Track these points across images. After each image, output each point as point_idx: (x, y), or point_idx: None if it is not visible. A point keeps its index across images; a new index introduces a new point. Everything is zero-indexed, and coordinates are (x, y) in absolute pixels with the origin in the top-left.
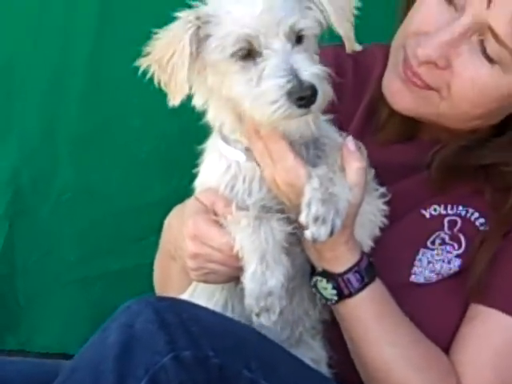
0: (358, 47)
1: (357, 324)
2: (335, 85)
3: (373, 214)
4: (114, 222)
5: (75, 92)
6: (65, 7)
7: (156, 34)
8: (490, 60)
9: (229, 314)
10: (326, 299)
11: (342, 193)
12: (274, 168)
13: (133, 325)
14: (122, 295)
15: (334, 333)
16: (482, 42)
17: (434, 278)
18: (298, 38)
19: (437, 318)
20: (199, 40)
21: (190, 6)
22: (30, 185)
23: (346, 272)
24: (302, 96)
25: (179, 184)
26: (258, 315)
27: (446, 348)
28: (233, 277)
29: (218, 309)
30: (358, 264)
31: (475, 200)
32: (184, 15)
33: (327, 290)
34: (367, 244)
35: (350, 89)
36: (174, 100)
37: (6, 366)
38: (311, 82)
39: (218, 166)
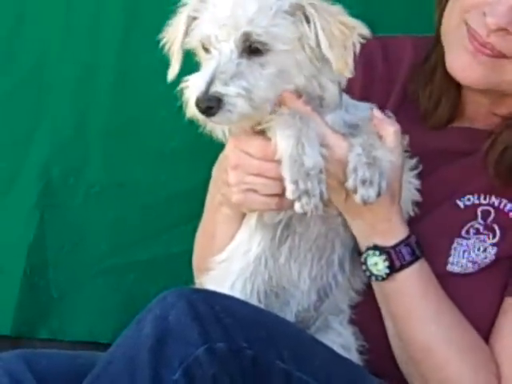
0: (349, 74)
1: (403, 300)
2: (365, 73)
3: (407, 181)
4: (144, 212)
5: (104, 87)
6: (92, 4)
7: None
8: None
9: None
10: (376, 276)
11: (384, 155)
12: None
13: (167, 317)
14: (152, 284)
15: (364, 319)
16: None
17: (470, 266)
18: (259, 49)
19: (475, 308)
20: (193, 20)
21: None
22: (60, 177)
23: (398, 244)
24: (201, 106)
25: (207, 174)
26: (299, 199)
27: (485, 337)
28: (272, 200)
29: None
30: (408, 237)
31: (509, 191)
32: None
33: (378, 264)
34: (410, 209)
35: (380, 78)
36: (172, 71)
37: (41, 360)
38: (215, 96)
39: None
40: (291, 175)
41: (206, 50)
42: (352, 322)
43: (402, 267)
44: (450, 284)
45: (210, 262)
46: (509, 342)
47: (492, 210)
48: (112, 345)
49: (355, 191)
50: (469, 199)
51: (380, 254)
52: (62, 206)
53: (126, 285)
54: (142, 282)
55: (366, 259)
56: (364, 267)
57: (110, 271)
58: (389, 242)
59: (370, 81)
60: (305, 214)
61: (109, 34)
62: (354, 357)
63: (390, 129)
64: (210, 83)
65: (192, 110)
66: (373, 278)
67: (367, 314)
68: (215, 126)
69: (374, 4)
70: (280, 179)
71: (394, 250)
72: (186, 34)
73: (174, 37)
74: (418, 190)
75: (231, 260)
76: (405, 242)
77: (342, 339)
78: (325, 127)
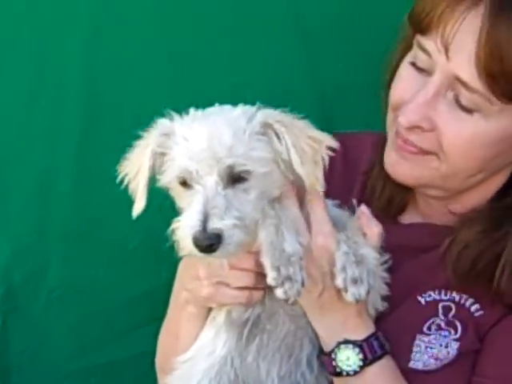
0: (321, 188)
1: None
2: (324, 171)
3: (379, 276)
4: (106, 315)
5: (63, 190)
6: (50, 108)
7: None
8: (468, 111)
9: (228, 367)
10: (347, 371)
11: (369, 253)
12: (310, 238)
13: None
14: None
15: None
16: (456, 97)
17: (432, 363)
18: (241, 176)
19: None
20: (160, 155)
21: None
22: (21, 282)
23: (368, 337)
24: (199, 244)
25: (170, 274)
26: (282, 285)
27: None
28: (243, 294)
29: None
30: (376, 331)
31: (468, 288)
32: (152, 129)
33: (349, 359)
34: (379, 304)
35: (340, 174)
36: (134, 212)
37: None
38: (214, 233)
39: None
40: (272, 262)
41: (184, 184)
42: None
43: (374, 360)
44: (413, 381)
45: (173, 362)
46: None
47: (453, 306)
48: None
49: (345, 290)
50: (430, 295)
51: (353, 347)
52: (24, 310)
53: None
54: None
55: (336, 355)
56: (333, 363)
57: (72, 375)
58: (360, 336)
59: (329, 178)
60: (286, 300)
61: (67, 137)
62: None
63: (375, 229)
64: (205, 221)
65: (188, 249)
66: (343, 373)
67: None
68: (216, 261)
69: (331, 100)
70: (253, 271)
71: (366, 342)
72: (152, 169)
73: (135, 172)
74: (387, 284)
75: (196, 360)
76: (374, 335)
77: None
78: (328, 218)
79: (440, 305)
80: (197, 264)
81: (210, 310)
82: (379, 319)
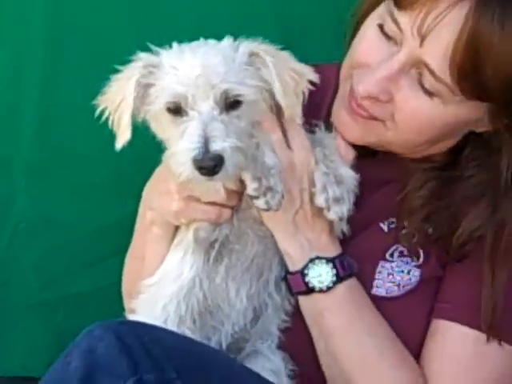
0: (300, 120)
1: (341, 313)
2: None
3: None
4: (72, 246)
5: (27, 123)
6: (15, 41)
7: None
8: (429, 93)
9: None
10: (320, 288)
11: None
12: (290, 153)
13: (95, 350)
14: (83, 318)
15: (293, 343)
16: (420, 76)
17: (395, 289)
18: (234, 103)
19: (401, 331)
20: (144, 86)
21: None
22: None
23: (339, 255)
24: (203, 166)
25: (134, 206)
26: (264, 195)
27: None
28: (213, 210)
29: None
30: (344, 252)
31: None
32: (134, 61)
33: (322, 275)
34: (345, 227)
35: (307, 103)
36: (118, 143)
37: None
38: (217, 154)
39: None
40: (254, 173)
41: (175, 112)
42: (281, 347)
43: (345, 278)
44: (376, 307)
45: (140, 286)
46: (437, 366)
47: (415, 232)
48: (40, 380)
49: (328, 209)
50: (392, 222)
51: (327, 263)
52: None
53: (57, 319)
54: (71, 316)
55: (308, 270)
56: (306, 279)
57: (40, 307)
58: (331, 254)
59: None
60: (268, 210)
61: (31, 70)
62: (284, 382)
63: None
64: (206, 143)
65: (187, 173)
66: (316, 289)
67: (296, 339)
68: (212, 185)
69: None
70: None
71: (339, 259)
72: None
73: (117, 104)
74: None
75: (162, 283)
76: (343, 255)
77: (271, 364)
78: (305, 137)
79: (403, 231)
80: (168, 178)
81: (175, 231)
82: (342, 246)
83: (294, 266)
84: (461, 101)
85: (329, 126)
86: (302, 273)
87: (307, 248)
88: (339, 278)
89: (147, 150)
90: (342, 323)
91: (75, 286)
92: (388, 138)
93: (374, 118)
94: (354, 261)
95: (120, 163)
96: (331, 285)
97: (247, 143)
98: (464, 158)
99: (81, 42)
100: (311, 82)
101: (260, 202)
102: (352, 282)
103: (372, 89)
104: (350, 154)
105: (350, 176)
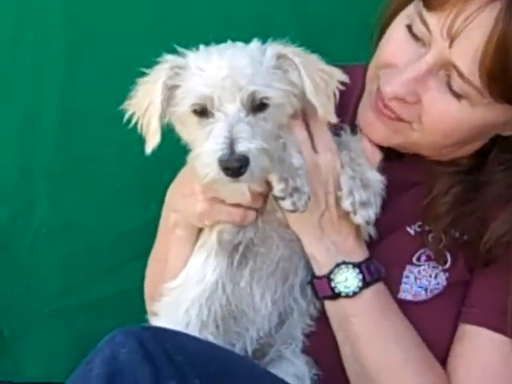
0: (334, 120)
1: (367, 319)
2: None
3: None
4: (93, 252)
5: (49, 128)
6: (36, 46)
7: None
8: (457, 96)
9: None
10: (346, 293)
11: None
12: (316, 155)
13: (117, 356)
14: (105, 323)
15: (317, 348)
16: (448, 78)
17: (423, 294)
18: (261, 106)
19: (428, 336)
20: (170, 88)
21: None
22: (8, 220)
23: (366, 260)
24: (229, 167)
25: (156, 211)
26: (291, 196)
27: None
28: (237, 211)
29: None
30: (371, 256)
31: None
32: (160, 64)
33: (348, 280)
34: (373, 231)
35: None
36: (148, 148)
37: None
38: (243, 155)
39: None
40: (281, 174)
41: (201, 114)
42: (305, 351)
43: (372, 283)
44: (403, 312)
45: (162, 289)
46: (464, 371)
47: (443, 236)
48: None
49: (354, 212)
50: (419, 226)
51: (353, 268)
52: (11, 249)
53: (78, 324)
54: (92, 321)
55: (335, 275)
56: (332, 285)
57: (61, 313)
58: (357, 258)
59: None
60: (294, 211)
61: (52, 74)
62: None
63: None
64: (232, 144)
65: (213, 175)
66: (342, 295)
67: (320, 343)
68: (237, 187)
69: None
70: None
71: (365, 264)
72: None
73: (145, 108)
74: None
75: (185, 286)
76: (370, 259)
77: (295, 369)
78: (332, 139)
79: (430, 235)
80: (192, 180)
81: (198, 233)
82: (368, 249)
83: (320, 271)
84: (489, 103)
85: (354, 129)
86: (329, 277)
87: (333, 251)
88: (365, 284)
89: (169, 153)
90: (368, 329)
91: (96, 292)
92: (414, 140)
93: (401, 120)
94: (381, 265)
95: (141, 167)
96: (357, 290)
97: (273, 145)
98: (490, 161)
99: (103, 45)
100: (341, 83)
101: (286, 203)
102: (379, 287)
103: (399, 90)
104: (377, 156)
105: (376, 179)
